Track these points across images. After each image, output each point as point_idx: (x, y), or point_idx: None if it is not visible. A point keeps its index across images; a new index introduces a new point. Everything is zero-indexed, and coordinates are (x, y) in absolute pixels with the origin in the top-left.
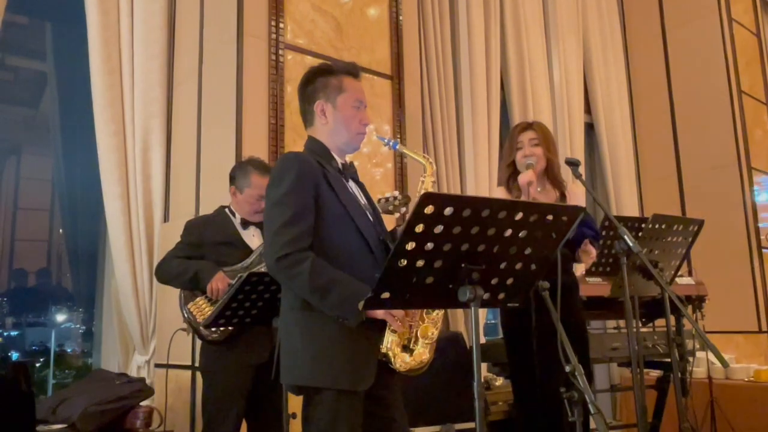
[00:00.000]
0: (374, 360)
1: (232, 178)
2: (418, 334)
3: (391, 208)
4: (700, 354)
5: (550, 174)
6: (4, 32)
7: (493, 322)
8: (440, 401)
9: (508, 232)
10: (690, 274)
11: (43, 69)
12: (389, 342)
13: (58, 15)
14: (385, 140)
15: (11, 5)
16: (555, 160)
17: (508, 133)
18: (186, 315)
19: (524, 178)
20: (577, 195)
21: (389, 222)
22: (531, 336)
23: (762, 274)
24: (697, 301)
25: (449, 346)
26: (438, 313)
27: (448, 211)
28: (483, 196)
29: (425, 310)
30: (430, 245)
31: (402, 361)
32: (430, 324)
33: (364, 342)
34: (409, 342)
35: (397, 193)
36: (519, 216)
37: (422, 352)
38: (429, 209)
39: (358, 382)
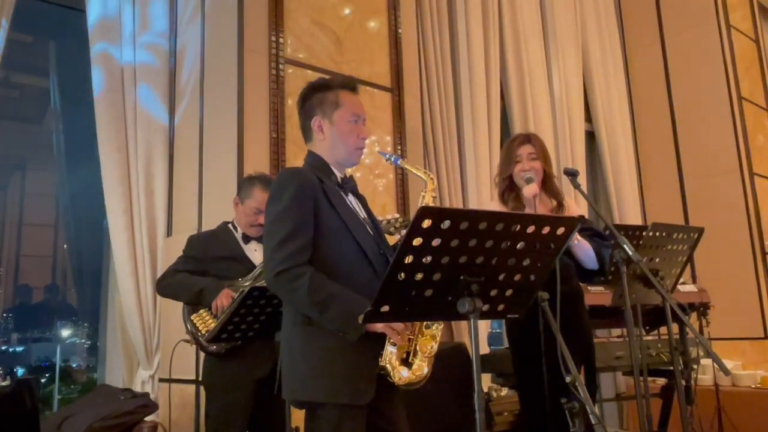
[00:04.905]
0: (374, 373)
1: (239, 188)
2: (418, 348)
3: (392, 230)
4: (706, 361)
5: (546, 186)
6: (9, 50)
7: (498, 331)
8: (444, 413)
9: (506, 244)
10: (694, 281)
11: (46, 86)
12: (388, 355)
13: (61, 33)
14: (387, 155)
15: (15, 24)
16: (551, 172)
17: (505, 146)
18: (189, 327)
19: (530, 191)
20: (571, 207)
21: (391, 242)
22: (537, 346)
23: (767, 280)
24: (701, 308)
25: (453, 357)
26: (437, 327)
27: (445, 224)
28: (480, 208)
29: (424, 324)
30: (428, 258)
31: (400, 375)
32: (429, 338)
33: (364, 356)
34: (408, 356)
35: (397, 215)
36: (516, 228)
37: (421, 366)
38: (426, 223)
39: (358, 396)
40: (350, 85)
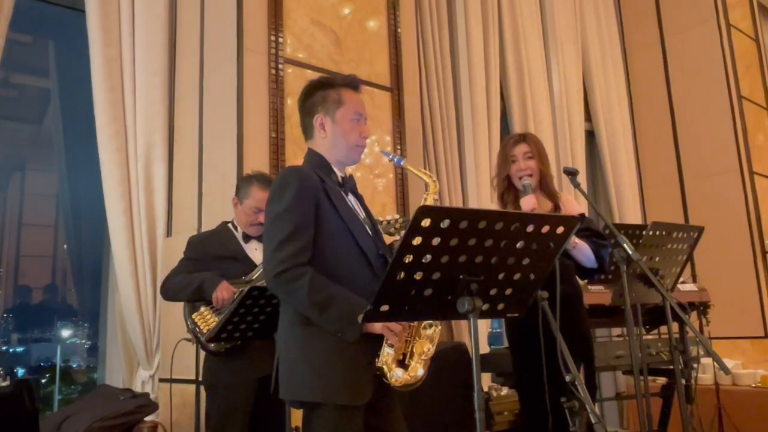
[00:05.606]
0: (372, 374)
1: (237, 188)
2: (414, 350)
3: (392, 230)
4: (706, 360)
5: (543, 186)
6: (8, 50)
7: (498, 331)
8: (444, 412)
9: (506, 243)
10: (694, 280)
11: (46, 86)
12: (385, 356)
13: (61, 33)
14: (390, 156)
15: (15, 24)
16: (548, 171)
17: (501, 146)
18: (190, 325)
19: (528, 204)
20: (570, 202)
21: (389, 242)
22: (536, 345)
23: (767, 279)
24: (702, 308)
25: (453, 356)
26: (435, 330)
27: (444, 223)
28: (480, 207)
29: (422, 326)
30: (427, 257)
31: (396, 376)
32: (426, 340)
33: (362, 356)
34: (405, 357)
35: (397, 216)
36: (515, 227)
37: (416, 368)
38: (426, 222)
39: (356, 396)
40: (353, 83)
